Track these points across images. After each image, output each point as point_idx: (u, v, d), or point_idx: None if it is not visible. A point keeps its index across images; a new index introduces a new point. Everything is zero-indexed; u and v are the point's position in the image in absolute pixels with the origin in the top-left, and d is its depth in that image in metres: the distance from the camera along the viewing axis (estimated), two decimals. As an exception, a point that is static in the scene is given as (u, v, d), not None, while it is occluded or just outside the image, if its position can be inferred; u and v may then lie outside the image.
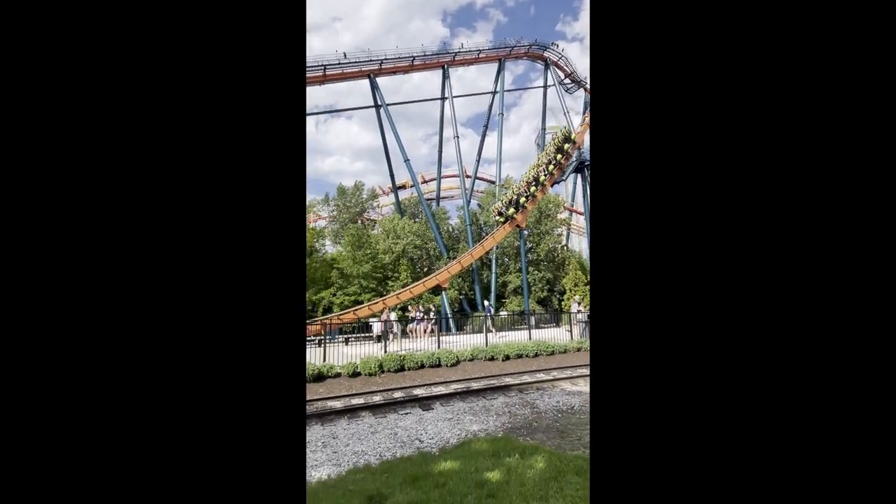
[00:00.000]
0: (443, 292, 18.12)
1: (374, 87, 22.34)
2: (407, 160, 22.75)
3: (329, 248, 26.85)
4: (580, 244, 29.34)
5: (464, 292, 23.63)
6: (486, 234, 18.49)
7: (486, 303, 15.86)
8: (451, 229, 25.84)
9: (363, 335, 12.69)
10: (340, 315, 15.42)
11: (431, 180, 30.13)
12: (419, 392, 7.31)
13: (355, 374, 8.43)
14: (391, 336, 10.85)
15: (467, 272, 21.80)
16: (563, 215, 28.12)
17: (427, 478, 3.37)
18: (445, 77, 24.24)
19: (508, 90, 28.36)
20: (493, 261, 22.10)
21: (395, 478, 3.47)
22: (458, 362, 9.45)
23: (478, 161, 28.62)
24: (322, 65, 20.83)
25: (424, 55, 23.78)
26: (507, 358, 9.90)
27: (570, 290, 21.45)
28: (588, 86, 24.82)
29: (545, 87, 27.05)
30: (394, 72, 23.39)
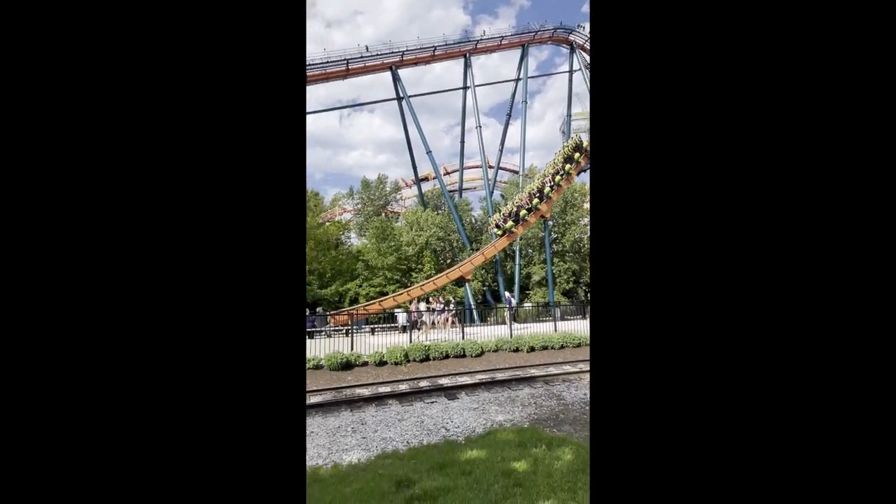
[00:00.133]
0: (466, 284, 18.14)
1: (396, 79, 22.34)
2: (429, 152, 22.73)
3: (354, 240, 27.42)
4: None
5: (487, 284, 23.56)
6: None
7: (507, 294, 15.73)
8: (473, 221, 25.72)
9: (388, 325, 12.95)
10: (366, 305, 15.78)
11: (454, 172, 29.98)
12: (444, 382, 7.40)
13: (382, 363, 8.62)
14: (421, 326, 10.95)
15: (491, 263, 21.69)
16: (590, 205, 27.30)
17: (454, 465, 3.41)
18: (467, 66, 23.89)
19: (532, 76, 27.62)
20: (517, 252, 21.85)
21: (422, 464, 3.54)
22: (482, 353, 9.47)
23: (501, 151, 28.22)
24: (345, 59, 21.01)
25: (446, 44, 23.50)
26: (532, 349, 9.82)
27: (597, 282, 20.89)
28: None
29: (570, 71, 26.17)
30: (415, 63, 23.29)
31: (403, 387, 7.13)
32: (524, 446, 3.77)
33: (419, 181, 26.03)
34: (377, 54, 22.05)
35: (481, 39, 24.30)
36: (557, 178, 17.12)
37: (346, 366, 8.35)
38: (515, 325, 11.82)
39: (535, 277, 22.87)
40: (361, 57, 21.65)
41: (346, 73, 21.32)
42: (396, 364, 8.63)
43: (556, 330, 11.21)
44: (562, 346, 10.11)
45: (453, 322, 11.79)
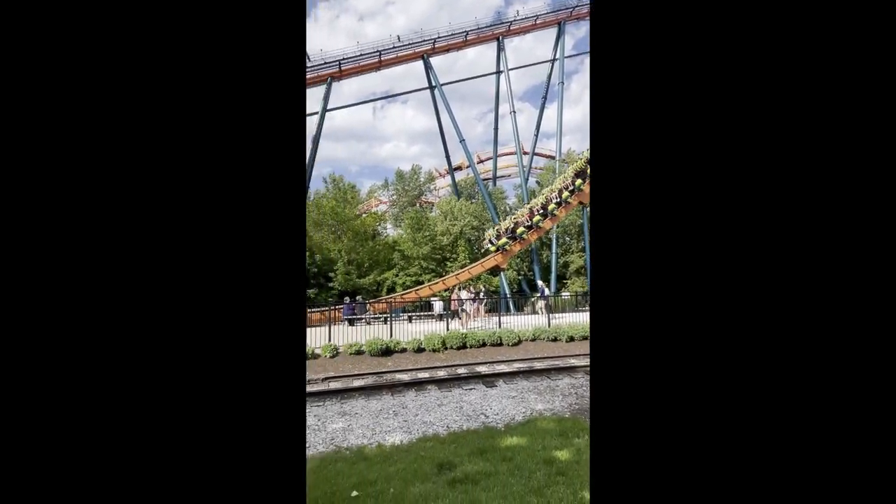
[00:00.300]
0: (501, 273, 17.99)
1: (428, 68, 22.22)
2: (462, 140, 22.53)
3: (390, 230, 27.99)
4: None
5: (522, 273, 23.21)
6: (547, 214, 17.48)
7: (540, 283, 15.34)
8: (508, 209, 25.32)
9: (424, 313, 13.18)
10: (403, 294, 16.15)
11: (487, 159, 29.55)
12: (482, 369, 7.44)
13: (420, 350, 8.82)
14: (463, 315, 11.02)
15: (527, 252, 21.30)
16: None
17: (494, 451, 3.44)
18: (500, 49, 23.25)
19: (569, 56, 26.15)
20: (554, 240, 21.27)
21: (462, 448, 3.60)
22: (519, 342, 9.40)
23: (536, 136, 27.38)
24: (377, 50, 21.16)
25: (478, 28, 22.97)
26: (572, 339, 9.59)
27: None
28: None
29: (611, 48, 24.63)
30: (447, 49, 22.99)
31: (442, 373, 7.26)
32: (566, 436, 3.72)
33: (452, 170, 25.95)
34: (409, 43, 22.00)
35: (515, 20, 23.49)
36: (565, 194, 15.01)
37: (386, 352, 8.62)
38: (552, 315, 11.58)
39: (573, 266, 22.20)
40: (393, 47, 21.70)
41: (379, 65, 21.49)
42: (434, 351, 8.78)
43: (596, 320, 10.84)
44: (602, 337, 9.78)
45: (482, 311, 11.81)
